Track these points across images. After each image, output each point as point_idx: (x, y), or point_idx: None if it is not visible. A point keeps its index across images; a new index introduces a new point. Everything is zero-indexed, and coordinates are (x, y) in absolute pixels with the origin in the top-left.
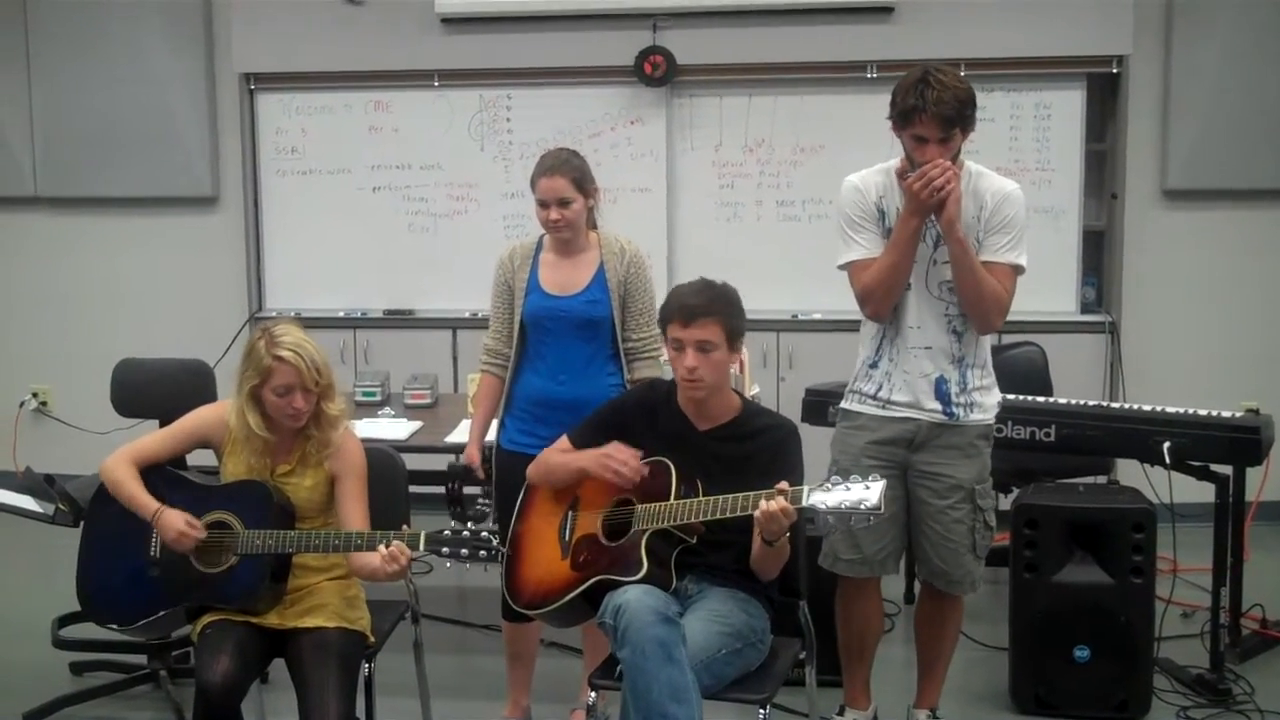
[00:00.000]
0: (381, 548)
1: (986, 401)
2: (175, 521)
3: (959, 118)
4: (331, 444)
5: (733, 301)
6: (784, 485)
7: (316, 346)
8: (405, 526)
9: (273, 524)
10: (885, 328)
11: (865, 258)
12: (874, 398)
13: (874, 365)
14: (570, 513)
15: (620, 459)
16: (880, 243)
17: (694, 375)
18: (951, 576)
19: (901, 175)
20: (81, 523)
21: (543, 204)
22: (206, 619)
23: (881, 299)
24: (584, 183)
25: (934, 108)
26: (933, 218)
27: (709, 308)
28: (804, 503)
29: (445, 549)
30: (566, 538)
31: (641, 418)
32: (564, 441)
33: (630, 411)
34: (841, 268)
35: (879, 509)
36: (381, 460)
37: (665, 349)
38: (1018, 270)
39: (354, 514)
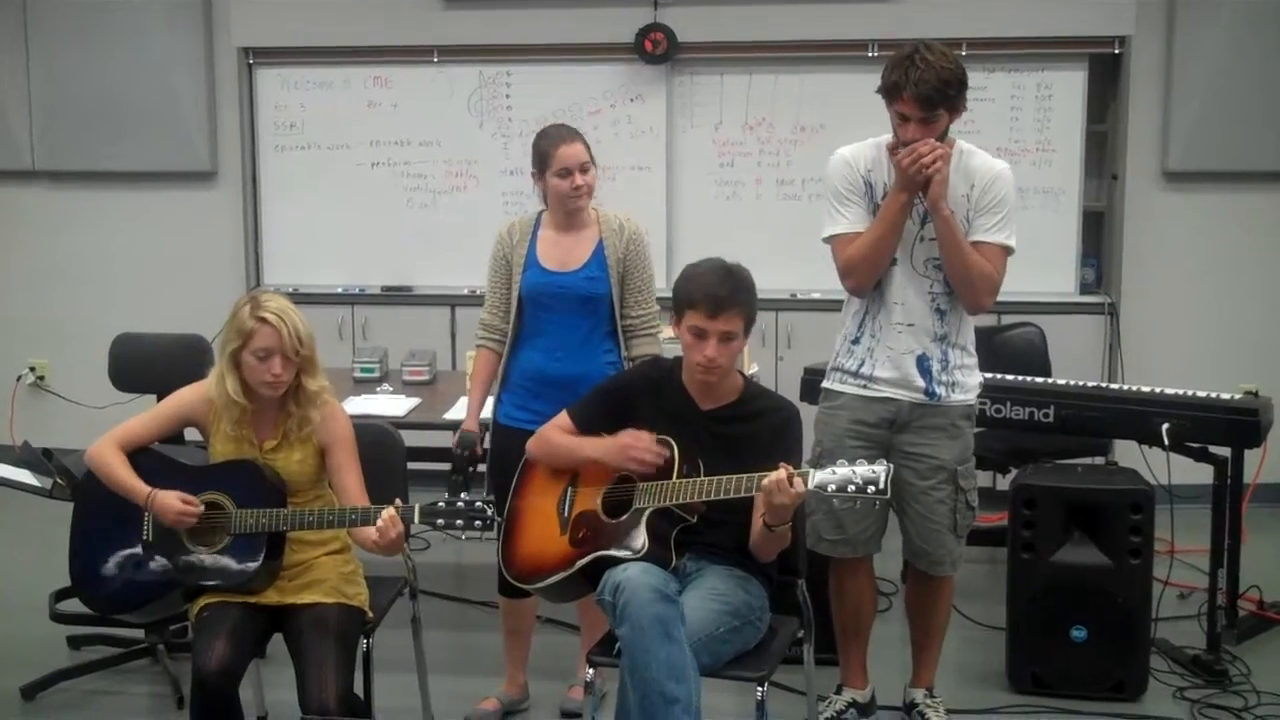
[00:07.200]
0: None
1: (968, 381)
2: (171, 502)
3: (940, 98)
4: (311, 422)
5: (753, 289)
6: (786, 467)
7: (302, 318)
8: (399, 501)
9: (264, 502)
10: (868, 304)
11: (849, 231)
12: (856, 375)
13: (856, 341)
14: (570, 488)
15: (642, 447)
16: (866, 217)
17: (713, 365)
18: (932, 557)
19: (892, 150)
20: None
21: (566, 171)
22: (203, 600)
23: (865, 273)
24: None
25: (914, 87)
26: (920, 194)
27: (735, 299)
28: (811, 485)
29: (440, 520)
30: (566, 513)
31: (645, 395)
32: (564, 418)
33: (634, 389)
34: (826, 240)
35: (885, 493)
36: (379, 437)
37: (671, 329)
38: (1007, 251)
39: (349, 484)
